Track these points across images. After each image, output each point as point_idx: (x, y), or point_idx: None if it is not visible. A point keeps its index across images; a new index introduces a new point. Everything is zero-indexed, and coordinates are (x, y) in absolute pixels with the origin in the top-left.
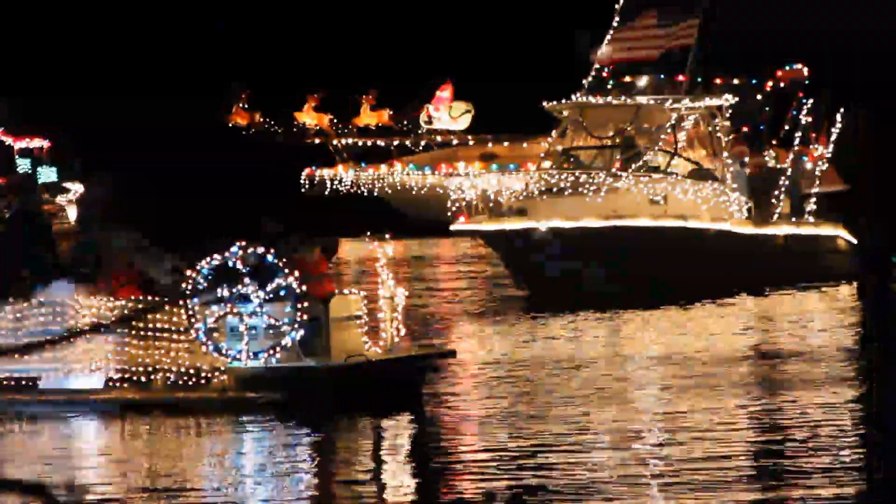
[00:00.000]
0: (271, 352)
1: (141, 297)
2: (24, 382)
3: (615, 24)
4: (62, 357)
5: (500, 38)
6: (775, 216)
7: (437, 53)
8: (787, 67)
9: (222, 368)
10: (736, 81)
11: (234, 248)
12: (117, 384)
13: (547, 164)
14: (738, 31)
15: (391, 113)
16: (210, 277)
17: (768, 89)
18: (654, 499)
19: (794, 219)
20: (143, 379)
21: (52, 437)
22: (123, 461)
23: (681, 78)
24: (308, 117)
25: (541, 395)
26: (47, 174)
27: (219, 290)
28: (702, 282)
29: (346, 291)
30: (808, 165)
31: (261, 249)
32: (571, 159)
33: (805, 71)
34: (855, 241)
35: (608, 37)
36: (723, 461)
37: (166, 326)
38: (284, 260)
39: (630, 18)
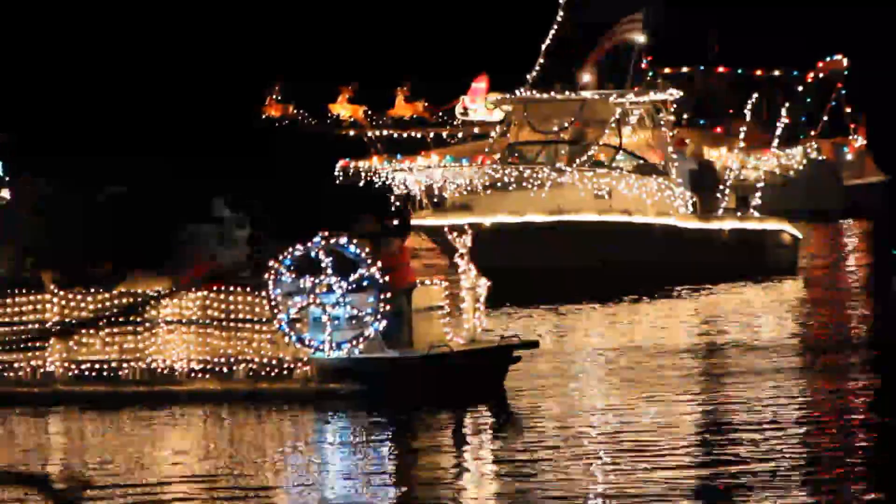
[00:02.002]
0: (354, 342)
1: (223, 289)
2: (104, 373)
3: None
4: (143, 348)
5: (538, 31)
6: (720, 210)
7: (473, 45)
8: (828, 58)
9: (305, 359)
10: (777, 73)
11: (316, 239)
12: (199, 375)
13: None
14: (780, 23)
15: (426, 104)
16: (293, 268)
17: (809, 80)
18: (598, 488)
19: (738, 213)
20: (225, 370)
21: (133, 428)
22: (205, 451)
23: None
24: (342, 109)
25: (631, 384)
26: None
27: (301, 280)
28: (647, 276)
29: (428, 281)
30: (849, 157)
31: (343, 239)
32: (516, 154)
33: (845, 62)
34: (800, 235)
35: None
36: (668, 452)
37: (249, 317)
38: (367, 250)
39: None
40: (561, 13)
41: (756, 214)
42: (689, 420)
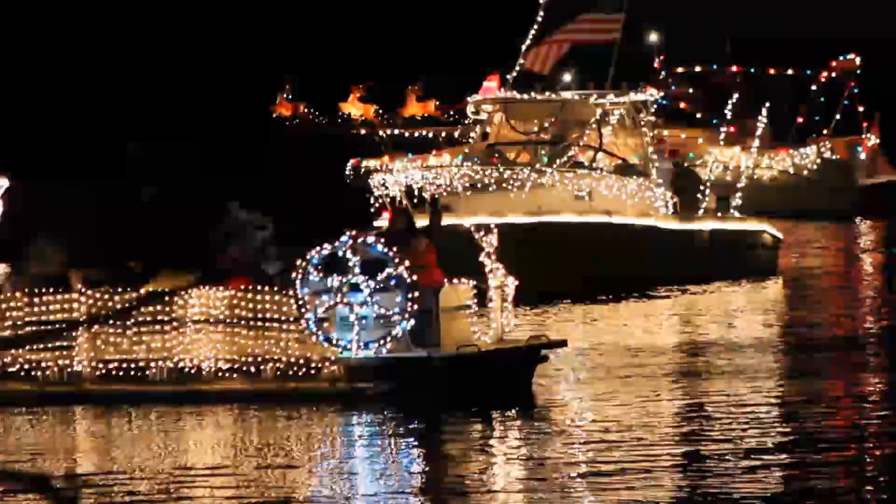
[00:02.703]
0: (382, 342)
1: (251, 288)
2: (133, 373)
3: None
4: (171, 348)
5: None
6: (700, 211)
7: (484, 45)
8: (841, 58)
9: (333, 359)
10: (790, 72)
11: (343, 238)
12: (227, 374)
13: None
14: (795, 21)
15: (437, 103)
16: (320, 267)
17: (822, 80)
18: (581, 490)
19: (719, 214)
20: (252, 369)
21: (160, 429)
22: (232, 452)
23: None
24: (353, 108)
25: (655, 382)
26: None
27: (329, 279)
28: (628, 277)
29: (456, 281)
30: (863, 156)
31: (371, 238)
32: (496, 155)
33: (857, 61)
34: (780, 236)
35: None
36: (649, 452)
37: (276, 316)
38: (394, 249)
39: (554, 25)
40: (541, 13)
41: (736, 215)
42: (667, 418)
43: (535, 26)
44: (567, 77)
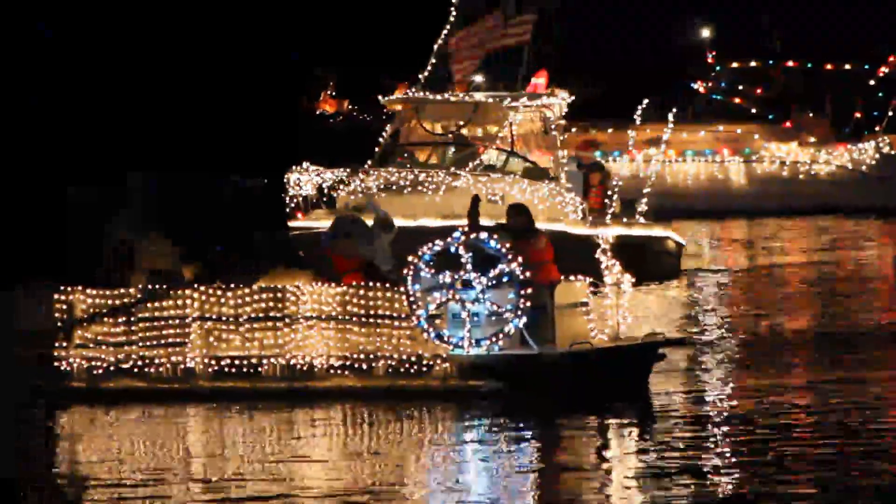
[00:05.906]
0: (494, 339)
1: (364, 284)
2: (245, 370)
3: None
4: (283, 344)
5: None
6: (608, 217)
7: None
8: None
9: (444, 356)
10: (847, 67)
11: (456, 234)
12: (338, 371)
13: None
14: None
15: None
16: (432, 263)
17: (881, 75)
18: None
19: (625, 220)
20: (364, 366)
21: (274, 425)
22: (342, 450)
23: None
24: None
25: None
26: None
27: (441, 276)
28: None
29: (572, 278)
30: None
31: (483, 235)
32: (406, 155)
33: None
34: (684, 242)
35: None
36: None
37: (388, 313)
38: (507, 246)
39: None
40: (454, 13)
41: (642, 220)
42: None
43: (448, 27)
44: (478, 78)
